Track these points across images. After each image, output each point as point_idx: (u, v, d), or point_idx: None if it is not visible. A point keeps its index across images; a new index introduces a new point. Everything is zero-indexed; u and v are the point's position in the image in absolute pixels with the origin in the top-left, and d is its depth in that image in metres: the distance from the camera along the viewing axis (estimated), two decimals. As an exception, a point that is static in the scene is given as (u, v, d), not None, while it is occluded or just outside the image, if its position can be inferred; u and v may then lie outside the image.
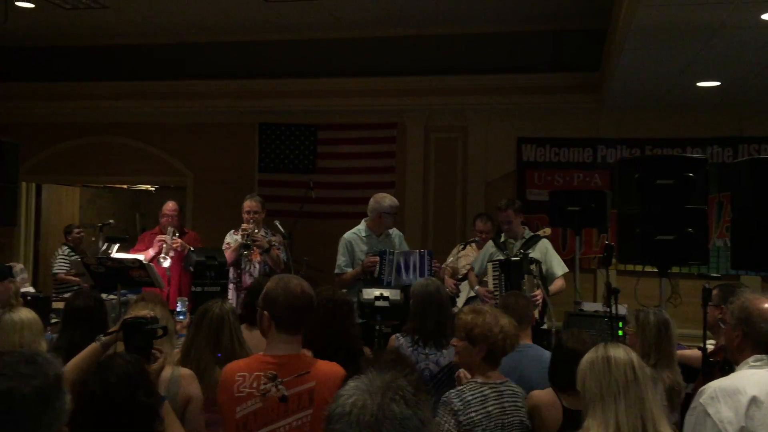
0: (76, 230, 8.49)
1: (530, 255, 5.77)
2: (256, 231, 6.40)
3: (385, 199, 6.08)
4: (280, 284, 2.83)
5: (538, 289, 5.50)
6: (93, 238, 8.00)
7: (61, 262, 8.22)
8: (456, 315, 3.41)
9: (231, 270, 6.35)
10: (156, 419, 2.51)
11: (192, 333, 3.65)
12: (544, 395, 3.30)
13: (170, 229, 6.70)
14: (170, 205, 6.95)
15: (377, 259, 5.81)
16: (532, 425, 3.21)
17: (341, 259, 6.05)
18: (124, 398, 2.41)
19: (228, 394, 2.74)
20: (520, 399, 3.20)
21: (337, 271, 6.07)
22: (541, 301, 5.48)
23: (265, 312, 2.82)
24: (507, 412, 3.10)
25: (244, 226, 6.38)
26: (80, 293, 4.26)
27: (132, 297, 5.56)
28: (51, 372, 1.85)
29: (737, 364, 2.81)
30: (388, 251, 5.83)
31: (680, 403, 3.78)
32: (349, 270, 5.98)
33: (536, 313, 5.40)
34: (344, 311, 3.56)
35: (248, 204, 6.53)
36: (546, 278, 5.84)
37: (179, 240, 6.69)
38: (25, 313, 3.41)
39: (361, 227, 6.13)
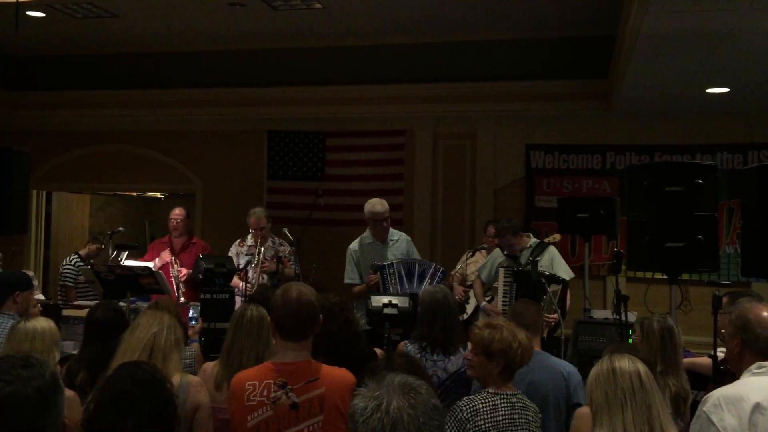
0: (98, 245, 8.31)
1: (547, 271, 5.75)
2: (262, 250, 6.43)
3: (368, 205, 6.04)
4: (279, 292, 2.89)
5: (555, 313, 5.49)
6: (102, 246, 8.00)
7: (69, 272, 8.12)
8: (471, 329, 3.40)
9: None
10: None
11: (232, 333, 3.72)
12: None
13: (176, 264, 6.77)
14: (177, 211, 7.01)
15: (377, 278, 5.80)
16: None
17: (348, 270, 6.08)
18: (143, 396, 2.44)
19: (239, 403, 2.74)
20: (531, 413, 3.18)
21: (346, 281, 6.10)
22: (554, 324, 5.46)
23: (269, 319, 2.86)
24: (516, 423, 3.08)
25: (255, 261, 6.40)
26: (100, 305, 4.27)
27: (141, 305, 5.59)
28: (47, 372, 1.95)
29: (738, 372, 2.81)
30: (387, 265, 5.81)
31: (687, 410, 3.76)
32: (357, 280, 6.01)
33: (545, 332, 5.39)
34: (335, 313, 3.56)
35: (254, 221, 6.53)
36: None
37: (183, 270, 6.76)
38: (41, 323, 3.39)
39: (366, 234, 6.14)
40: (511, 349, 3.16)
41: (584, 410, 3.31)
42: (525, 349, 3.21)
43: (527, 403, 3.21)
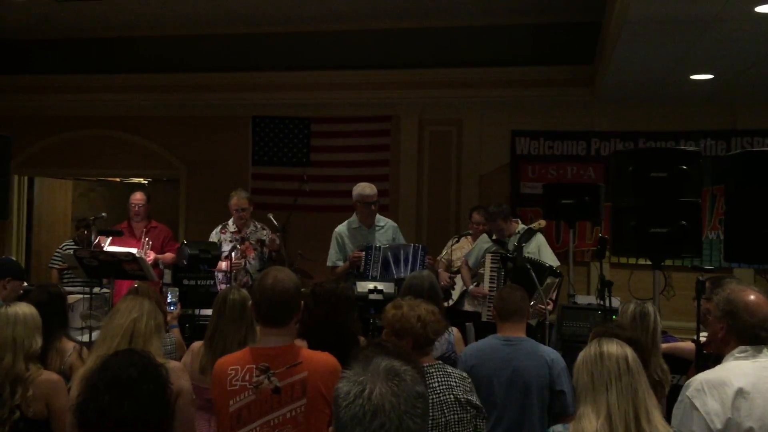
0: (84, 228, 8.23)
1: (546, 263, 5.76)
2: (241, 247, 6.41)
3: (357, 188, 6.04)
4: (258, 278, 2.91)
5: (548, 304, 5.50)
6: (86, 231, 7.93)
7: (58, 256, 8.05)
8: (382, 313, 3.41)
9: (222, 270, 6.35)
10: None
11: (215, 317, 3.75)
12: None
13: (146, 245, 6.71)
14: (138, 196, 6.93)
15: (361, 254, 5.80)
16: None
17: (332, 253, 6.06)
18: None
19: (221, 388, 2.73)
20: (455, 379, 3.18)
21: (329, 264, 6.08)
22: (545, 314, 5.46)
23: (251, 304, 2.88)
24: (438, 390, 3.09)
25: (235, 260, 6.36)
26: (37, 287, 4.24)
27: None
28: None
29: (722, 355, 2.82)
30: (374, 246, 5.81)
31: (664, 395, 3.78)
32: (341, 263, 5.99)
33: (534, 322, 5.41)
34: (347, 306, 3.55)
35: (236, 201, 6.50)
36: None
37: (151, 253, 6.70)
38: (23, 308, 3.36)
39: (353, 219, 6.13)
40: (411, 325, 3.18)
41: None
42: (427, 323, 3.21)
43: (449, 370, 3.22)
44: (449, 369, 3.24)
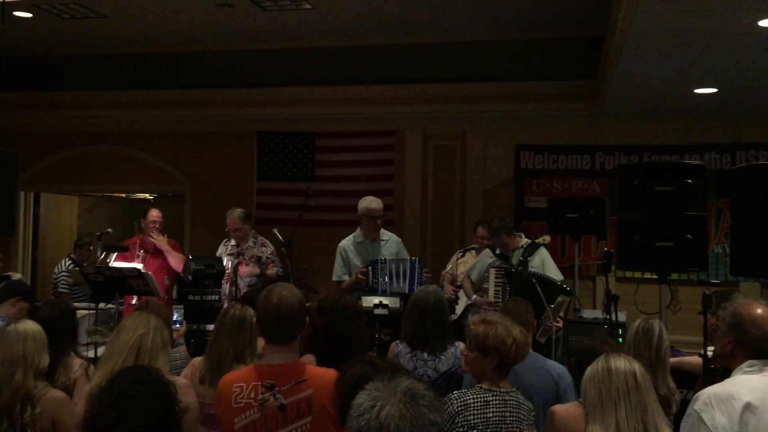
0: (87, 246, 8.24)
1: (557, 281, 5.76)
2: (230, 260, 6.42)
3: (363, 202, 6.04)
4: (262, 296, 2.87)
5: (558, 321, 5.49)
6: (91, 247, 7.95)
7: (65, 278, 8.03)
8: (466, 325, 3.38)
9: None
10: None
11: (215, 330, 3.77)
12: (571, 408, 3.23)
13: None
14: (156, 213, 6.92)
15: (367, 270, 5.79)
16: None
17: (337, 267, 6.06)
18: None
19: (226, 406, 2.72)
20: (524, 411, 3.15)
21: (334, 278, 6.07)
22: (552, 332, 5.44)
23: (254, 321, 2.88)
24: (507, 421, 3.06)
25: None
26: (47, 304, 4.27)
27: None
28: None
29: (730, 369, 2.81)
30: (379, 260, 5.80)
31: (671, 412, 3.75)
32: (346, 278, 5.99)
33: (543, 340, 5.39)
34: (348, 316, 3.53)
35: (229, 223, 6.53)
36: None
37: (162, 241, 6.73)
38: (30, 325, 3.39)
39: (357, 233, 6.13)
40: (504, 345, 3.13)
41: (557, 408, 3.29)
42: (519, 346, 3.18)
43: (521, 401, 3.18)
44: (521, 399, 3.20)
